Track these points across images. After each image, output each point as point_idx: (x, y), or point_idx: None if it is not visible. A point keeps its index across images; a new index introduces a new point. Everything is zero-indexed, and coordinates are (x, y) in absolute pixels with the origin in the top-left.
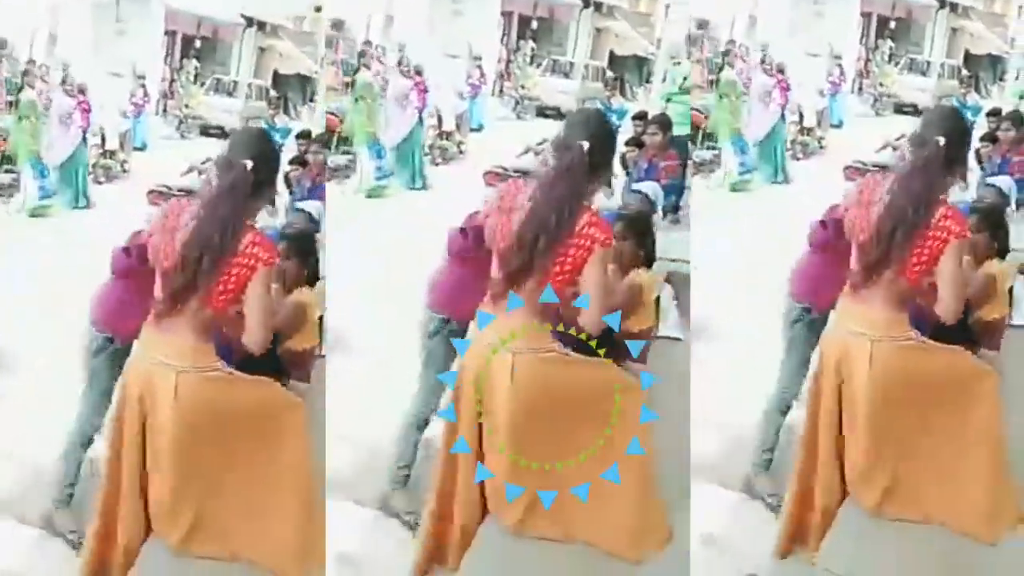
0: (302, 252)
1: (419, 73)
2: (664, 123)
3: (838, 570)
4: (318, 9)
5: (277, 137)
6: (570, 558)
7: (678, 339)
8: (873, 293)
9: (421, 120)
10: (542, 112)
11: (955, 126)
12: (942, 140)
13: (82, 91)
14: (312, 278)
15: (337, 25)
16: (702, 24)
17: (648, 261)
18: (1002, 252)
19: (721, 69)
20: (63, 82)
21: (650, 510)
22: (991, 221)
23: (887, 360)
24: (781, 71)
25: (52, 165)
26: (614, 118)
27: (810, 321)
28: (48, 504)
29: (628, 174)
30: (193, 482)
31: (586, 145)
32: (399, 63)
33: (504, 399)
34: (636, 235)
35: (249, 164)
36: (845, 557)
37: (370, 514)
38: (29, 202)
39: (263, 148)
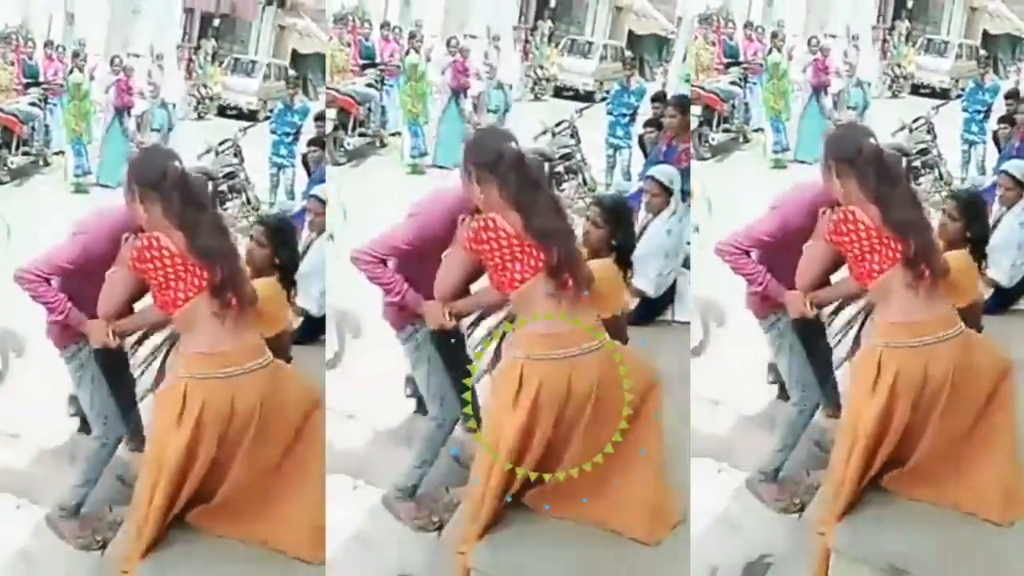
0: (278, 241)
1: (463, 54)
2: (683, 105)
3: (851, 552)
4: None
5: (296, 119)
6: (582, 542)
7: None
8: (922, 295)
9: (456, 99)
10: (560, 92)
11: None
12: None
13: (125, 71)
14: (286, 268)
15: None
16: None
17: (621, 249)
18: (977, 242)
19: (770, 52)
20: (111, 62)
21: (664, 494)
22: (970, 212)
23: (951, 359)
24: (823, 52)
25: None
26: (632, 99)
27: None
28: (60, 487)
29: (646, 156)
30: (250, 473)
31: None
32: (448, 43)
33: (580, 404)
34: (612, 224)
35: (176, 163)
36: (858, 539)
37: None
38: (65, 178)
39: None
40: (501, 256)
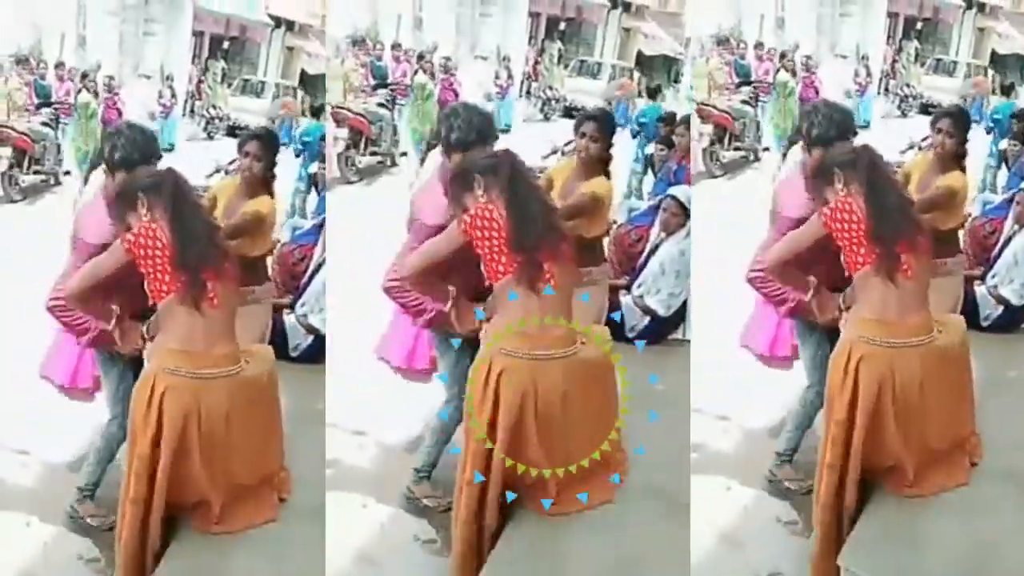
0: (268, 154)
1: (450, 72)
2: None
3: (860, 569)
4: None
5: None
6: (586, 563)
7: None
8: (896, 296)
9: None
10: (569, 113)
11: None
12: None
13: (112, 89)
14: (270, 183)
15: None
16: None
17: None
18: (962, 157)
19: (778, 71)
20: (84, 77)
21: None
22: (960, 125)
23: (920, 366)
24: (809, 70)
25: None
26: (642, 119)
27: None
28: (67, 504)
29: (655, 174)
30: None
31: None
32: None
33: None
34: (604, 138)
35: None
36: (867, 557)
37: (390, 511)
38: (74, 197)
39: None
40: (491, 246)
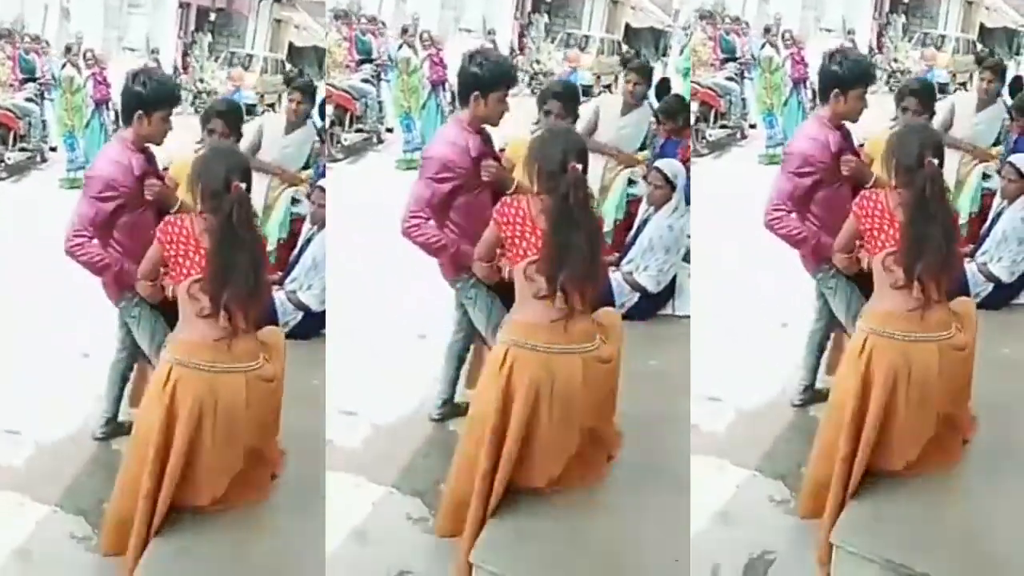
0: (235, 129)
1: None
2: (670, 111)
3: (852, 547)
4: None
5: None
6: (582, 537)
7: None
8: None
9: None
10: None
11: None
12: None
13: (98, 61)
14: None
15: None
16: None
17: None
18: None
19: (762, 47)
20: (68, 51)
21: None
22: (927, 102)
23: (933, 360)
24: (797, 44)
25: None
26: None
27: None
28: (60, 484)
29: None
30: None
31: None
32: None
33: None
34: (571, 115)
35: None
36: (860, 534)
37: (382, 491)
38: (60, 174)
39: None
40: (512, 232)
